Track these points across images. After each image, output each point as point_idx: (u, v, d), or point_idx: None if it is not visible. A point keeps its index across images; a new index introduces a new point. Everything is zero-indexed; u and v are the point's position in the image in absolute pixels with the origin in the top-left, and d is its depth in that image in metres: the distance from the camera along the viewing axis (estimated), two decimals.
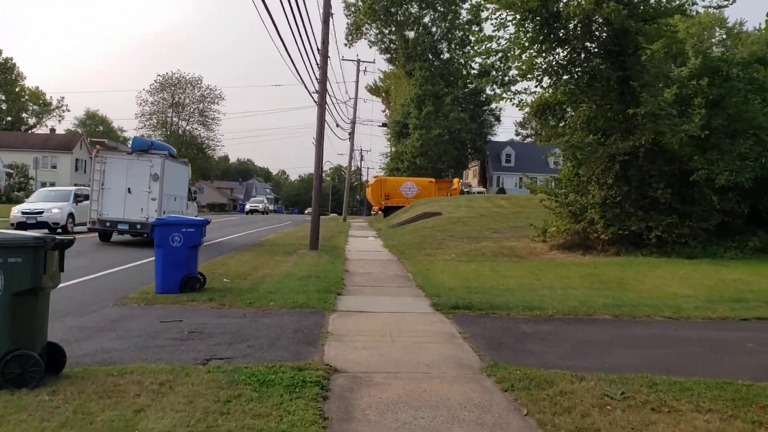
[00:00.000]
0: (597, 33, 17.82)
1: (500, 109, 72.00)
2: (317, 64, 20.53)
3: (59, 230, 22.77)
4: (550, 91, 18.90)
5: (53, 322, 7.34)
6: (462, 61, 64.37)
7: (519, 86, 18.56)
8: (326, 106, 21.99)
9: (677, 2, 17.11)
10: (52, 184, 50.78)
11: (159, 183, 18.88)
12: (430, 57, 64.87)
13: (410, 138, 63.10)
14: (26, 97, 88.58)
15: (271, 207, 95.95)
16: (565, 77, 18.32)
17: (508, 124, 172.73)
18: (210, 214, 52.70)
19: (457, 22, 63.46)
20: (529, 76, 17.83)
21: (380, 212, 50.17)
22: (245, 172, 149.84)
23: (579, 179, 18.94)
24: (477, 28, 41.30)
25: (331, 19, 20.53)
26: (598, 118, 18.24)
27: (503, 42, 17.96)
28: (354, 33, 66.24)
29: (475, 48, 20.32)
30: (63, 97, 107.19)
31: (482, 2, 17.95)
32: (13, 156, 61.62)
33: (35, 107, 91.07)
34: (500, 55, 18.54)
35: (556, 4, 16.86)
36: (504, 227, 23.82)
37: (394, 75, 74.80)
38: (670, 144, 16.33)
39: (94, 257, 16.03)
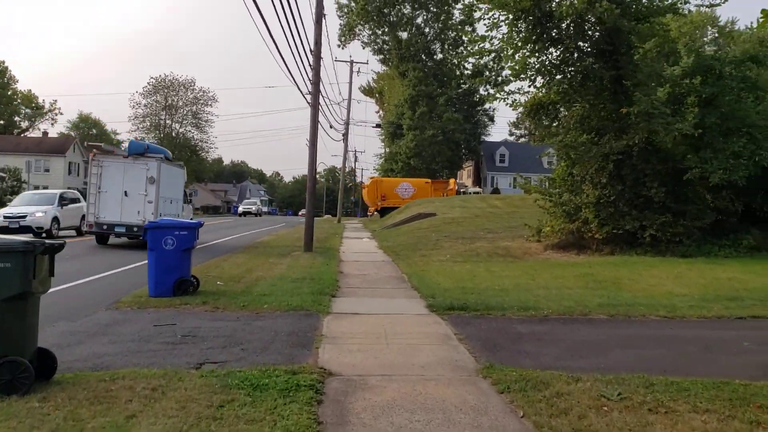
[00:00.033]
0: (590, 32, 17.83)
1: (494, 109, 72.24)
2: (310, 65, 20.49)
3: (44, 235, 22.08)
4: (544, 90, 18.92)
5: (45, 327, 7.30)
6: (455, 61, 64.49)
7: (512, 86, 18.64)
8: (320, 107, 21.94)
9: (669, 1, 17.15)
10: (45, 188, 50.49)
11: (155, 186, 19.01)
12: (424, 58, 64.90)
13: (404, 139, 63.11)
14: (19, 100, 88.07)
15: (265, 209, 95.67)
16: (558, 77, 18.34)
17: (501, 124, 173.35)
18: (204, 217, 52.56)
19: (450, 22, 63.59)
20: (522, 75, 17.86)
21: (376, 213, 50.11)
22: (239, 174, 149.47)
23: (573, 179, 18.96)
24: (470, 29, 41.39)
25: (323, 20, 20.47)
26: (592, 118, 18.26)
27: (496, 42, 18.03)
28: (347, 34, 66.22)
29: (469, 48, 20.38)
30: (56, 100, 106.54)
31: (475, 2, 17.96)
32: (5, 160, 61.22)
33: (28, 110, 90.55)
34: (493, 55, 18.58)
35: (548, 3, 16.87)
36: (498, 227, 23.81)
37: (388, 76, 74.76)
38: (664, 143, 16.36)
39: (88, 260, 15.94)
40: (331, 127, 44.85)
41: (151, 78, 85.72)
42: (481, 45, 18.42)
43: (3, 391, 4.91)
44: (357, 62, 58.69)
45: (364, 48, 76.14)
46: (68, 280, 11.79)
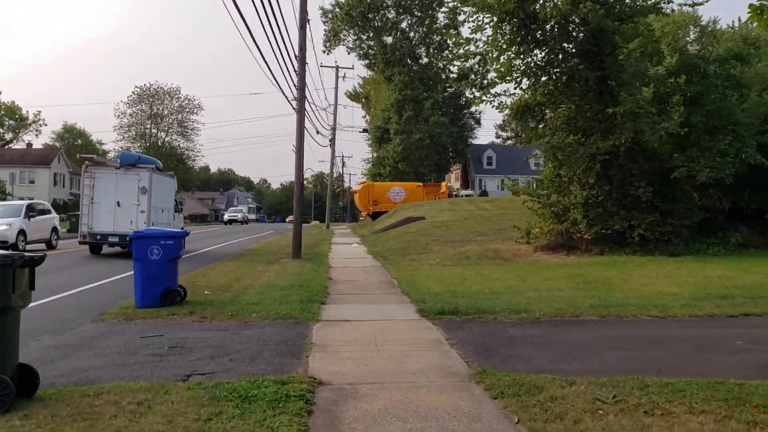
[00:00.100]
0: (574, 33, 17.87)
1: (480, 112, 72.46)
2: (295, 71, 20.39)
3: (9, 249, 20.89)
4: (529, 92, 18.94)
5: (29, 341, 7.15)
6: (441, 65, 64.64)
7: (498, 88, 18.52)
8: (306, 113, 21.86)
9: (652, 1, 17.20)
10: (30, 199, 49.92)
11: (147, 196, 19.46)
12: (409, 62, 65.01)
13: (391, 143, 63.10)
14: (2, 112, 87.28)
15: (253, 216, 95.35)
16: (543, 78, 18.35)
17: (488, 126, 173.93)
18: (191, 225, 52.25)
19: (435, 26, 63.84)
20: (507, 78, 17.84)
21: (368, 218, 50.11)
22: (226, 181, 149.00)
23: (560, 180, 18.96)
24: (455, 32, 41.38)
25: (308, 25, 20.42)
26: (578, 119, 18.29)
27: (481, 45, 17.98)
28: (332, 39, 66.18)
29: (454, 51, 20.39)
30: (39, 111, 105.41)
31: (459, 5, 17.91)
32: None
33: (11, 122, 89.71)
34: (478, 57, 18.57)
35: (532, 5, 16.89)
36: (488, 230, 23.76)
37: (374, 80, 74.75)
38: (650, 142, 16.40)
39: (74, 272, 15.73)
40: (318, 132, 44.69)
41: (136, 87, 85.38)
42: (466, 48, 18.39)
43: None
44: (343, 67, 58.78)
45: (349, 53, 76.27)
46: (54, 292, 11.61)
